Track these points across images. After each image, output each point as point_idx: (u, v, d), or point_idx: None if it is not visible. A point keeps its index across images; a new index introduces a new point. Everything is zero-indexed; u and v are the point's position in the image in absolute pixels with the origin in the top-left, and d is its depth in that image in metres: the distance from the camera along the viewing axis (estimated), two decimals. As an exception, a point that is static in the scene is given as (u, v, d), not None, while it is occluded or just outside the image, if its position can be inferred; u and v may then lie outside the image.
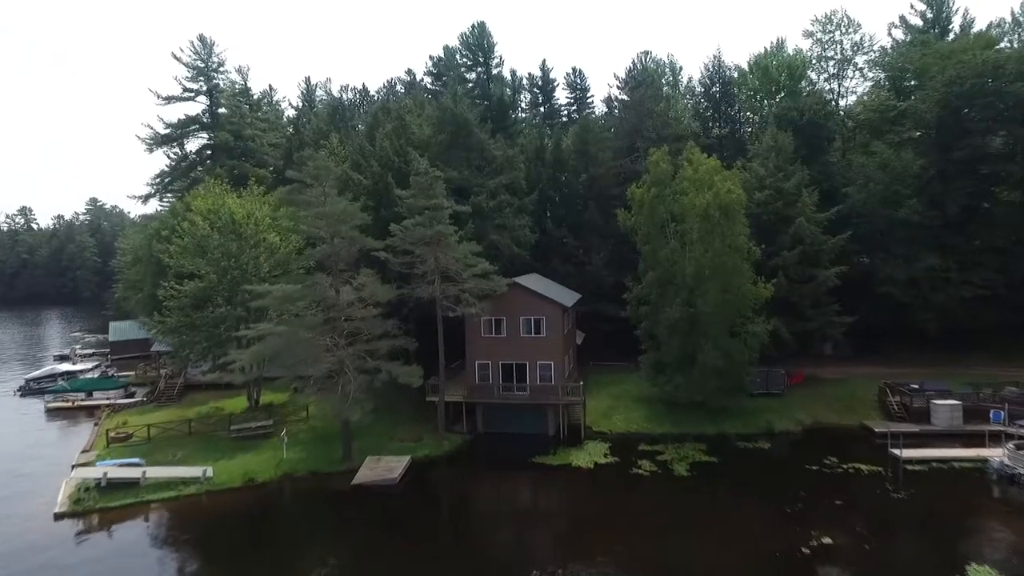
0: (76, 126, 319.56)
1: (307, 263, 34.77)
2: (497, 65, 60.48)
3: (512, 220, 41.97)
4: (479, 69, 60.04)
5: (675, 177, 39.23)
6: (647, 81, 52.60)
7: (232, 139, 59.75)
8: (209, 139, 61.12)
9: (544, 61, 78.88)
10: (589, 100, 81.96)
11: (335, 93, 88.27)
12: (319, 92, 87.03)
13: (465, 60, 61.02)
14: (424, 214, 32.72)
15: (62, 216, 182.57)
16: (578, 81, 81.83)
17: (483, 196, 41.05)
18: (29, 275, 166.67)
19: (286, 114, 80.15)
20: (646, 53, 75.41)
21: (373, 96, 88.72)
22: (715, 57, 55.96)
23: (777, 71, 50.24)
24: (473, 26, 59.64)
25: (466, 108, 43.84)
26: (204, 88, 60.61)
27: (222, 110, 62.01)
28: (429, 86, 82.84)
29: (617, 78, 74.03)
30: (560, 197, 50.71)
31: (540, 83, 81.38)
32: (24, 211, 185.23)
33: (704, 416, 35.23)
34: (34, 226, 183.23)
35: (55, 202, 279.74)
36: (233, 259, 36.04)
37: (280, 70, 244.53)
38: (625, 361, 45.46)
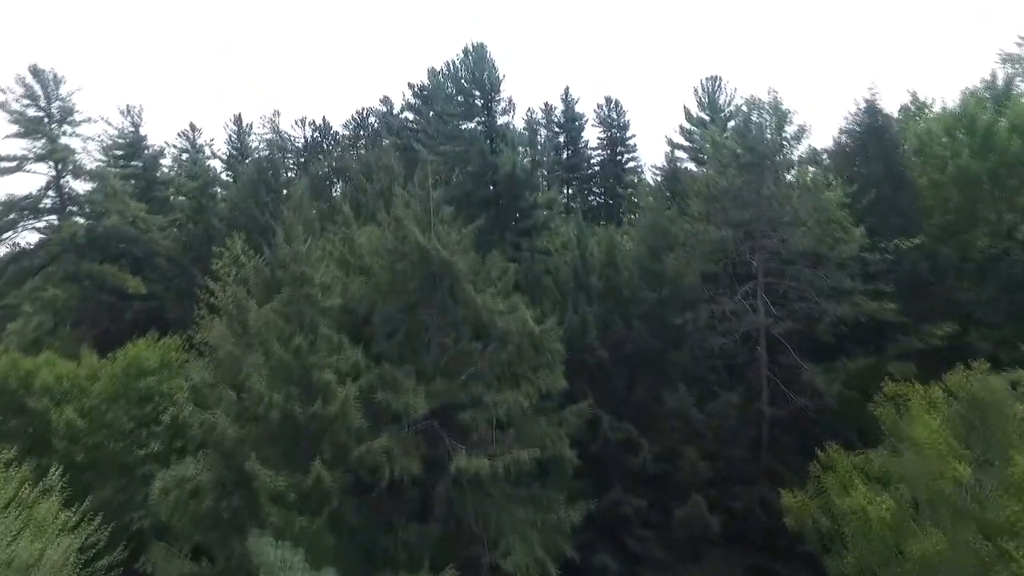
0: None
1: None
2: (505, 110, 38.30)
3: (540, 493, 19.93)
4: (477, 119, 37.90)
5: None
6: (765, 150, 30.25)
7: (84, 231, 37.61)
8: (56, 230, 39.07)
9: (567, 90, 57.36)
10: (629, 141, 60.26)
11: (287, 131, 66.42)
12: (263, 130, 64.97)
13: (457, 103, 38.74)
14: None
15: None
16: (613, 116, 60.08)
17: (479, 452, 18.94)
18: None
19: (213, 170, 58.11)
20: (715, 80, 53.72)
21: (336, 134, 66.87)
22: (868, 101, 33.92)
23: (1005, 134, 27.71)
24: (467, 51, 37.54)
25: (445, 232, 21.79)
26: (44, 150, 38.48)
27: (77, 183, 40.10)
28: (410, 123, 61.25)
29: (685, 135, 52.28)
30: (618, 360, 28.62)
31: (562, 120, 59.45)
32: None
33: None
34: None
35: None
36: None
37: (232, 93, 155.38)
38: None
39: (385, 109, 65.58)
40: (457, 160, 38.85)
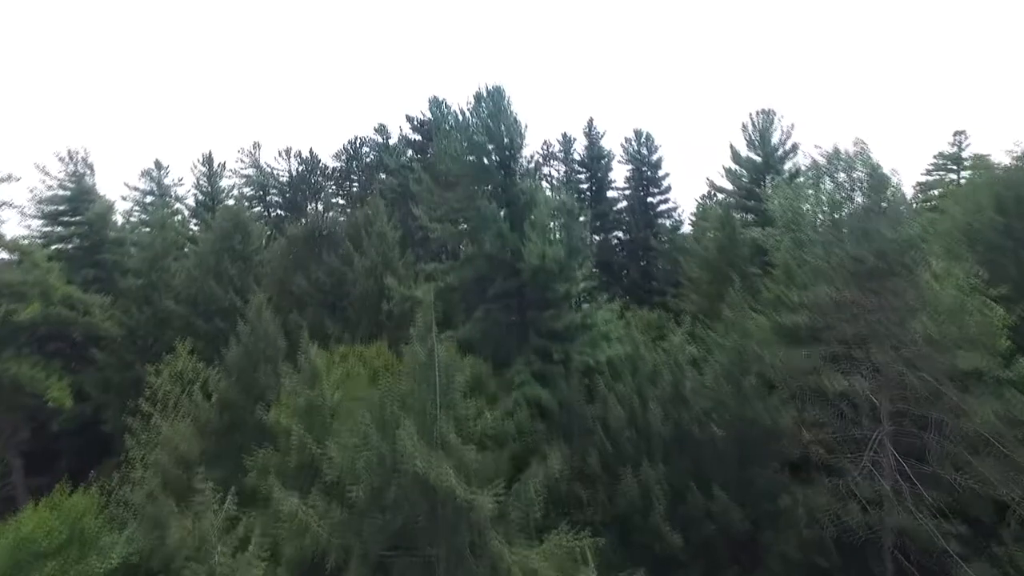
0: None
1: None
2: (527, 172, 30.27)
3: None
4: (491, 184, 29.80)
5: None
6: (897, 251, 22.18)
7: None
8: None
9: (591, 121, 49.10)
10: (661, 181, 52.20)
11: (269, 164, 58.43)
12: (241, 164, 56.91)
13: (467, 163, 30.62)
14: None
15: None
16: (643, 152, 52.04)
17: None
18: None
19: (179, 216, 50.14)
20: (767, 115, 45.59)
21: (326, 168, 58.94)
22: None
23: None
24: (479, 97, 29.52)
25: (455, 438, 13.94)
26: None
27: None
28: (407, 161, 53.33)
29: (730, 178, 44.82)
30: (695, 547, 20.72)
31: (586, 160, 51.49)
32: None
33: None
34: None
35: None
36: None
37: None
38: None
39: (380, 140, 57.57)
40: (468, 228, 30.97)
